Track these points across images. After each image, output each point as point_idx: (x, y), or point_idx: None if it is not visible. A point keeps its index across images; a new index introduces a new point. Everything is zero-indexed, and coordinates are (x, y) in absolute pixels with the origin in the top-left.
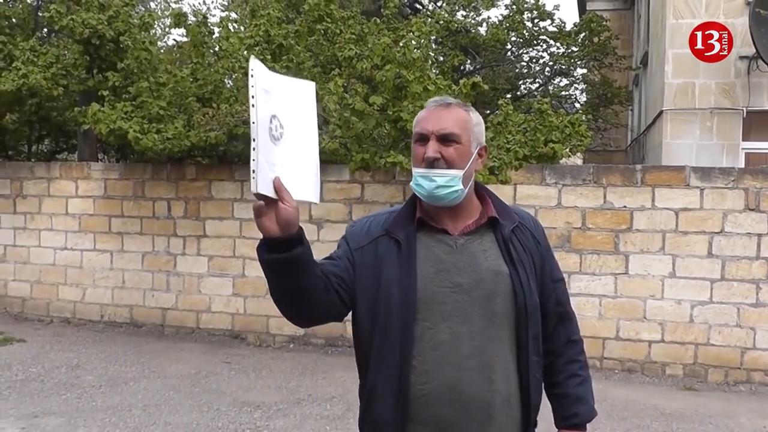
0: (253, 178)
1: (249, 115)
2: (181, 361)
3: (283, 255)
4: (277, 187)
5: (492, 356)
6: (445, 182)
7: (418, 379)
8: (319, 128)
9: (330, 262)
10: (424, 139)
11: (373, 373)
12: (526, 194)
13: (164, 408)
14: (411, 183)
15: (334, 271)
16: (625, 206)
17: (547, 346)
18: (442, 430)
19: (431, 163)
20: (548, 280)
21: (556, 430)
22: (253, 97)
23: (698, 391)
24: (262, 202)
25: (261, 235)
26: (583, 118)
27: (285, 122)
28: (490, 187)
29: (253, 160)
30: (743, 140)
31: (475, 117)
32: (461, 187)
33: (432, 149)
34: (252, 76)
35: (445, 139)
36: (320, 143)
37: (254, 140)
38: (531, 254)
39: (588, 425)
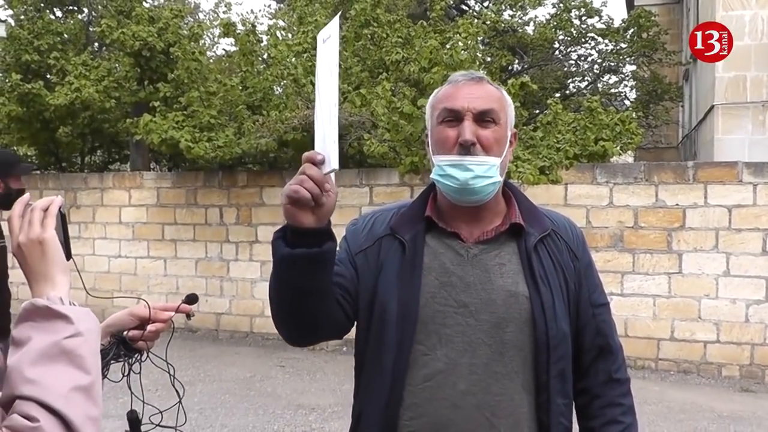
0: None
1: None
2: (236, 365)
3: (312, 250)
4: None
5: (496, 395)
6: (483, 172)
7: (405, 413)
8: (368, 132)
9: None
10: (456, 119)
11: (362, 395)
12: (578, 194)
13: (220, 411)
14: (432, 175)
15: (337, 281)
16: (677, 204)
17: (582, 384)
18: None
19: (467, 149)
20: (586, 304)
21: None
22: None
23: (755, 392)
24: (312, 188)
25: None
26: (634, 115)
27: (318, 82)
28: (541, 188)
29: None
30: None
31: (507, 96)
32: (499, 178)
33: (469, 131)
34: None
35: (482, 119)
36: (368, 145)
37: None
38: (564, 271)
39: (646, 427)
